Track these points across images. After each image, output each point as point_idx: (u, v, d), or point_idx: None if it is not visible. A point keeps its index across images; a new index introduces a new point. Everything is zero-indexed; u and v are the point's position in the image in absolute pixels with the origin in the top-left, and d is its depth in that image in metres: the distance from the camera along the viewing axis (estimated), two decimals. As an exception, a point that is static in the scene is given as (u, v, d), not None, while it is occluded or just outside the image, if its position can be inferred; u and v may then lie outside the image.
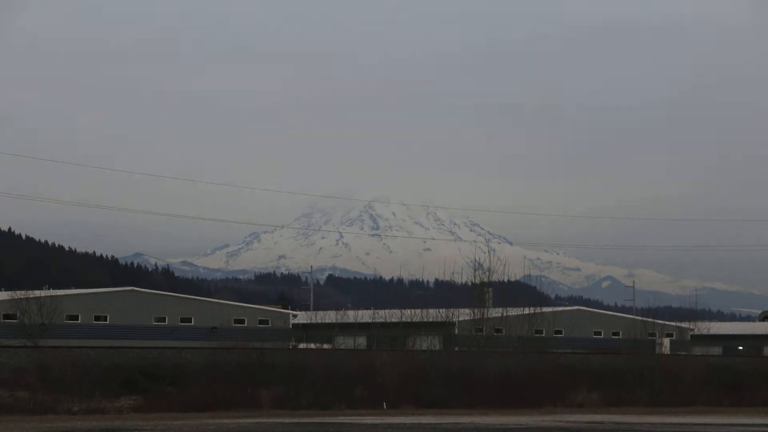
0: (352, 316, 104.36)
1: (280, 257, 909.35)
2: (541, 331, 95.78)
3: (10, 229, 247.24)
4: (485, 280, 74.65)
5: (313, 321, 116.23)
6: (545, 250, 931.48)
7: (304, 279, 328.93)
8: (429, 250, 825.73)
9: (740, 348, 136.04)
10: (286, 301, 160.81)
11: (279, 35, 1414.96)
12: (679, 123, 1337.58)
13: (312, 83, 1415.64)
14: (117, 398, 53.02)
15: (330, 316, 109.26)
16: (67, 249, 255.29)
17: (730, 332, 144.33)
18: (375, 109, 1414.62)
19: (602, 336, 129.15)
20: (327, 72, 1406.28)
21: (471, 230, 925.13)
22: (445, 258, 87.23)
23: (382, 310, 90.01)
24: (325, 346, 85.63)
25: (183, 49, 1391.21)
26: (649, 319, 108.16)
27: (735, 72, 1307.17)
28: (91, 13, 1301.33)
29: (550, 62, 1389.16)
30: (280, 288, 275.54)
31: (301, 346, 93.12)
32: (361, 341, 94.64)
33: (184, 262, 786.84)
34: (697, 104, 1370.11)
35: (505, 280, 77.94)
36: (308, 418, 48.04)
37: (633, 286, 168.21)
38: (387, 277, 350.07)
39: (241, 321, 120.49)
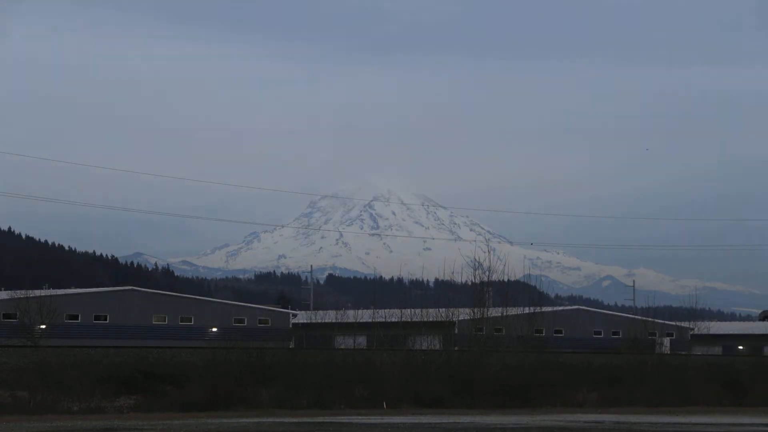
0: (352, 315, 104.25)
1: (280, 257, 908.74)
2: (541, 331, 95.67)
3: (10, 228, 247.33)
4: (485, 279, 74.53)
5: (313, 321, 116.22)
6: (545, 250, 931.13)
7: (304, 279, 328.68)
8: (429, 249, 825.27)
9: (740, 348, 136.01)
10: (285, 301, 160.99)
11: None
12: (677, 123, 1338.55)
13: (314, 80, 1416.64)
14: (117, 398, 52.99)
15: (330, 316, 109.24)
16: (67, 249, 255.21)
17: (730, 332, 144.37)
18: (375, 107, 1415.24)
19: (602, 336, 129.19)
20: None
21: (471, 230, 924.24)
22: (445, 258, 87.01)
23: (382, 310, 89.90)
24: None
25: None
26: (649, 319, 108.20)
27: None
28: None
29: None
30: (280, 288, 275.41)
31: None
32: (361, 341, 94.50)
33: (184, 262, 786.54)
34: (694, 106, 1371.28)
35: (505, 279, 77.84)
36: (308, 418, 47.99)
37: (633, 286, 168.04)
38: (387, 277, 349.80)
39: (241, 321, 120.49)
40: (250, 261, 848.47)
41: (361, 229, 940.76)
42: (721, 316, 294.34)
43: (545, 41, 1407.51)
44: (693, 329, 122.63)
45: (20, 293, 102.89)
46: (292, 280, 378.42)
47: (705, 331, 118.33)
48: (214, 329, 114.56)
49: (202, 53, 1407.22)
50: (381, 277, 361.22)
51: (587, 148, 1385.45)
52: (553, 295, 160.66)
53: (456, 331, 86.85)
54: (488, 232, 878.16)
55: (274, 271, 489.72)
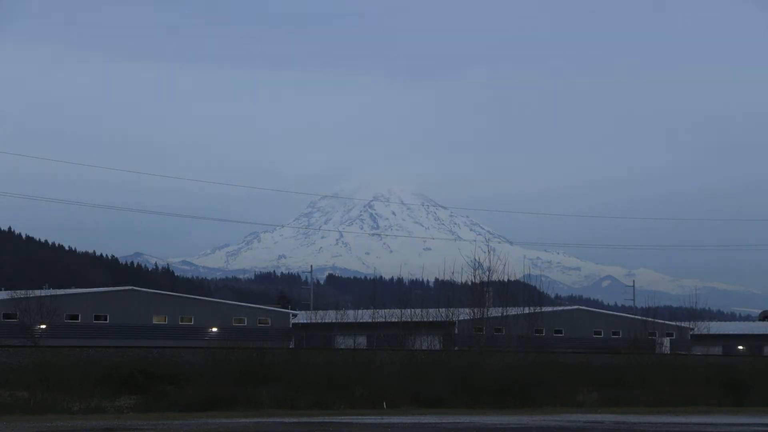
0: (352, 315, 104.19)
1: (280, 257, 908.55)
2: (541, 331, 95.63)
3: (10, 228, 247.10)
4: (485, 279, 74.44)
5: (313, 321, 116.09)
6: (545, 250, 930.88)
7: (304, 278, 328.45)
8: (429, 249, 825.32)
9: (740, 348, 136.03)
10: (285, 301, 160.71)
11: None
12: (678, 124, 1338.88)
13: (314, 81, 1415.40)
14: (117, 398, 52.98)
15: (330, 316, 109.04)
16: (67, 249, 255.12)
17: (730, 332, 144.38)
18: (375, 107, 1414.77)
19: (602, 336, 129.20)
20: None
21: (471, 230, 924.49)
22: (445, 258, 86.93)
23: (382, 310, 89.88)
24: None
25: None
26: (649, 319, 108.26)
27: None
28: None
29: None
30: (280, 287, 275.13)
31: None
32: (361, 341, 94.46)
33: (184, 262, 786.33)
34: (694, 105, 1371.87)
35: (505, 279, 77.75)
36: (308, 418, 47.98)
37: (633, 286, 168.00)
38: (387, 277, 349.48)
39: (241, 321, 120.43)
40: (250, 261, 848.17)
41: (361, 229, 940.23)
42: (721, 316, 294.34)
43: (544, 41, 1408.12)
44: (693, 329, 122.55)
45: (20, 293, 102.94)
46: (292, 280, 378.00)
47: (705, 331, 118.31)
48: (214, 329, 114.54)
49: (200, 54, 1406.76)
50: (381, 277, 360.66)
51: (587, 149, 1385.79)
52: (553, 295, 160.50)
53: (456, 331, 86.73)
54: (488, 232, 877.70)
55: (274, 271, 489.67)
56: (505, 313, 76.94)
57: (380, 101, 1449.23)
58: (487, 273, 73.59)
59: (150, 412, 50.30)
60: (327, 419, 47.28)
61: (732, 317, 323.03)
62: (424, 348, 78.74)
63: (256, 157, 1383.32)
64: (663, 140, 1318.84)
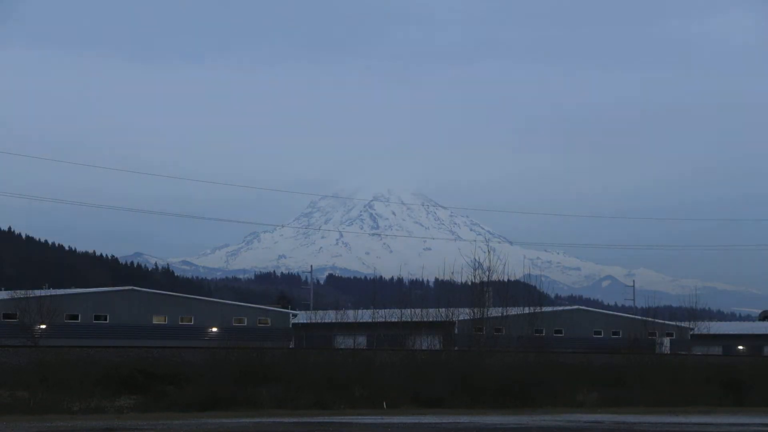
0: (351, 315, 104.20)
1: (280, 257, 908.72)
2: (541, 331, 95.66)
3: (10, 228, 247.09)
4: (485, 279, 74.43)
5: (313, 321, 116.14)
6: (545, 250, 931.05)
7: (304, 278, 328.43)
8: (429, 249, 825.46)
9: (740, 348, 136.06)
10: (285, 301, 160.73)
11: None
12: (678, 122, 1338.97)
13: (314, 80, 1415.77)
14: (117, 398, 52.97)
15: (330, 316, 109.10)
16: (67, 249, 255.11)
17: (730, 332, 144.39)
18: (375, 107, 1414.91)
19: (602, 336, 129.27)
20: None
21: (471, 230, 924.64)
22: (445, 258, 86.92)
23: (382, 310, 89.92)
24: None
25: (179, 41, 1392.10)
26: (649, 319, 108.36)
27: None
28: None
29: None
30: (280, 287, 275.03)
31: None
32: (361, 341, 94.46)
33: (184, 262, 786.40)
34: (693, 105, 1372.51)
35: (505, 279, 77.75)
36: (308, 418, 47.99)
37: (633, 286, 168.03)
38: (387, 277, 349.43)
39: (241, 321, 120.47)
40: (250, 261, 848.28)
41: (361, 229, 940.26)
42: (721, 316, 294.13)
43: (546, 42, 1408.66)
44: (693, 329, 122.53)
45: (20, 293, 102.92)
46: (292, 280, 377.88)
47: (705, 331, 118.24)
48: (214, 329, 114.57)
49: (197, 54, 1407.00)
50: (381, 277, 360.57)
51: (588, 148, 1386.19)
52: (553, 295, 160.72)
53: (456, 331, 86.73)
54: (488, 232, 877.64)
55: (274, 271, 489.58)
56: (505, 313, 76.94)
57: (381, 101, 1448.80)
58: (487, 273, 73.59)
59: (150, 412, 50.29)
60: (327, 419, 47.28)
61: (732, 317, 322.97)
62: (424, 348, 78.72)
63: (255, 156, 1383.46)
64: (662, 139, 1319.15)
